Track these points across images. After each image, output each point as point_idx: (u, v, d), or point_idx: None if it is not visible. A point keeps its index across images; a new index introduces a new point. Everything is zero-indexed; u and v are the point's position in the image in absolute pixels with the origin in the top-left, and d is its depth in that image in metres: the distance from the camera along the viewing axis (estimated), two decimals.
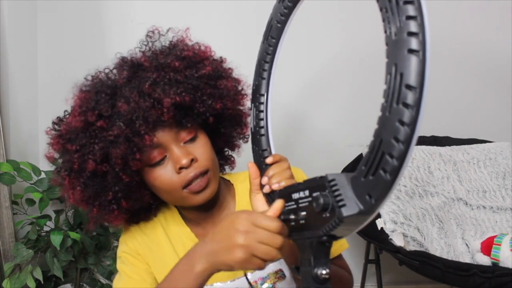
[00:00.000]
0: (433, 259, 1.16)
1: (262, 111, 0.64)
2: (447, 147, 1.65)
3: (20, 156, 1.52)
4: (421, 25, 0.31)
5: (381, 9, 0.34)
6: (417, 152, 1.59)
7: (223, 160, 0.81)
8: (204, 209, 0.73)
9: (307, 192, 0.45)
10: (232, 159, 0.82)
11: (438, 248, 1.35)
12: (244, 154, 0.81)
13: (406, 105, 0.32)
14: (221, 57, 0.73)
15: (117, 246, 0.78)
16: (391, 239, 1.31)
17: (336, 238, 0.43)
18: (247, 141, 0.78)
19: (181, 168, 0.64)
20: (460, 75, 1.82)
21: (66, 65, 1.66)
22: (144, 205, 0.72)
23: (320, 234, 0.42)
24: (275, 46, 0.61)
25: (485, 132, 1.76)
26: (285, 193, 0.51)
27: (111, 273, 1.54)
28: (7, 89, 1.51)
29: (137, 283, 0.70)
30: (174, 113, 0.62)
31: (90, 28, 1.66)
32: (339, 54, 1.75)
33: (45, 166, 1.54)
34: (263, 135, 0.64)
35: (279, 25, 0.60)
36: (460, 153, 1.63)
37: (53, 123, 0.69)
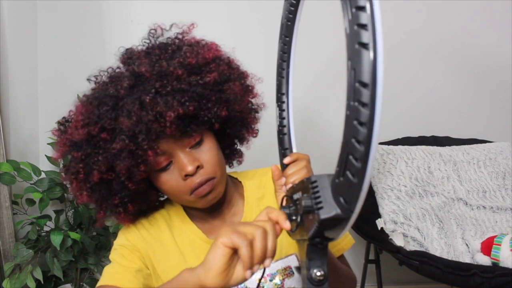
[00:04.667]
0: (433, 259, 1.17)
1: (284, 110, 0.64)
2: (447, 147, 1.65)
3: (20, 156, 1.52)
4: (371, 16, 0.28)
5: (341, 1, 0.32)
6: (417, 152, 1.59)
7: (231, 154, 0.80)
8: (212, 207, 0.72)
9: (300, 194, 0.45)
10: (240, 153, 0.81)
11: (438, 248, 1.35)
12: (253, 147, 0.79)
13: (361, 103, 0.29)
14: (228, 58, 0.70)
15: None
16: (391, 239, 1.31)
17: (328, 239, 0.42)
18: (256, 136, 0.77)
19: (186, 175, 0.63)
20: (460, 75, 1.82)
21: (66, 65, 1.66)
22: (151, 204, 0.73)
23: (309, 236, 0.41)
24: (290, 44, 0.61)
25: (485, 132, 1.76)
26: (291, 194, 0.52)
27: None
28: (7, 89, 1.50)
29: (128, 272, 0.67)
30: (178, 124, 0.60)
31: (90, 28, 1.66)
32: (341, 53, 1.75)
33: (45, 166, 1.54)
34: (285, 134, 0.63)
35: (289, 23, 0.59)
36: (460, 153, 1.63)
37: (59, 123, 0.67)
